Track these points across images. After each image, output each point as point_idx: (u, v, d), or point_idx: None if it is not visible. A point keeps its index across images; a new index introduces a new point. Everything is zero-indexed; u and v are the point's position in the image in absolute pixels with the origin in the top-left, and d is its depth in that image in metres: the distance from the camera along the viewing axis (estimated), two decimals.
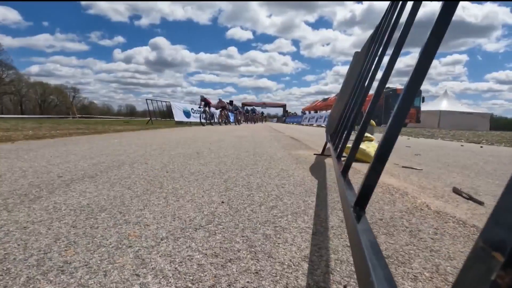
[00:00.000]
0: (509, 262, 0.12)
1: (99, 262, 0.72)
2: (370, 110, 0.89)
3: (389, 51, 0.88)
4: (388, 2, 1.30)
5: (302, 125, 23.69)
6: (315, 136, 6.66)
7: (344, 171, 0.84)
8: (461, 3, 0.47)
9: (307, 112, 39.74)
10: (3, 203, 1.14)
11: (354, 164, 2.31)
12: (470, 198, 1.43)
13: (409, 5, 0.79)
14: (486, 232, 0.13)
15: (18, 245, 0.80)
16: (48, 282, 0.63)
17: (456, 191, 1.55)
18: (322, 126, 15.75)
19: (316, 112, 32.82)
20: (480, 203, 1.36)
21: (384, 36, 1.15)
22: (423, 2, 0.75)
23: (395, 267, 0.74)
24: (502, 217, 0.13)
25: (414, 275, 0.71)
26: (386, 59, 0.87)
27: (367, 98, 1.35)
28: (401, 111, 0.49)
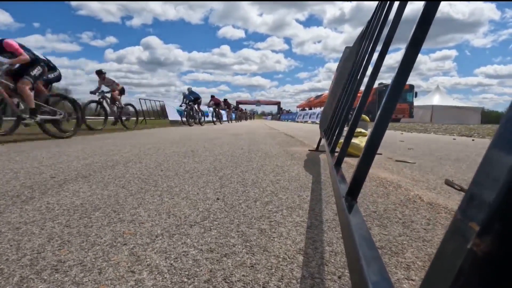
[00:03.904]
0: (484, 229, 0.12)
1: (93, 260, 0.72)
2: (360, 105, 0.90)
3: (379, 48, 0.89)
4: (376, 1, 1.31)
5: (297, 122, 23.74)
6: (310, 132, 6.68)
7: (337, 164, 0.85)
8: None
9: (301, 109, 39.98)
10: None
11: (349, 159, 2.33)
12: (461, 189, 1.45)
13: (396, 4, 0.80)
14: (463, 205, 0.14)
15: (11, 245, 0.79)
16: (42, 281, 0.63)
17: (448, 183, 1.58)
18: (317, 123, 15.80)
19: (310, 108, 32.97)
20: None
21: (374, 34, 1.16)
22: (409, 1, 0.77)
23: (389, 257, 0.76)
24: (477, 190, 0.13)
25: (407, 264, 0.72)
26: (376, 56, 0.88)
27: (358, 94, 1.36)
28: (389, 103, 0.50)
